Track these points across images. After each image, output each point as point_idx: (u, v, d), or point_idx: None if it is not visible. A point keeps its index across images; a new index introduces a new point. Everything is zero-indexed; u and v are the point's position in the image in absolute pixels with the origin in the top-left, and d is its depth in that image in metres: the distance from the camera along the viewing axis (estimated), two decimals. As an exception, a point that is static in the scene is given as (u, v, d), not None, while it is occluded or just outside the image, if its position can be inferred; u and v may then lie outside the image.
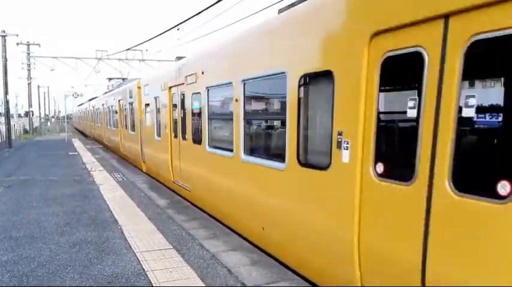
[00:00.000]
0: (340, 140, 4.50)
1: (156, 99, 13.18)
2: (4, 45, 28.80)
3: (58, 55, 35.37)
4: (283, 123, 5.79)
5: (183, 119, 10.47)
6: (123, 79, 29.58)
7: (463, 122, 3.27)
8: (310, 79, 5.22)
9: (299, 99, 5.36)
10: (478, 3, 3.02)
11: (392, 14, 3.77)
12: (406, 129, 3.83)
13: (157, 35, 19.76)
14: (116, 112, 21.36)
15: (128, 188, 11.67)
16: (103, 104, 27.53)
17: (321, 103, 5.11)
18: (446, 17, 3.32)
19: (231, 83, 7.38)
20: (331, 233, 4.66)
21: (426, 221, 3.47)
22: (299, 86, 5.32)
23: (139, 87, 15.70)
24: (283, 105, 5.74)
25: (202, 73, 8.90)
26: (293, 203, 5.48)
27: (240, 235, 7.24)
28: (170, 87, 11.49)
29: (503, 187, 2.89)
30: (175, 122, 11.23)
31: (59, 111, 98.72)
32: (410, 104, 3.74)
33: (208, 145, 8.78)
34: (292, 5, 5.84)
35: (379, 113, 4.06)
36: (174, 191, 11.51)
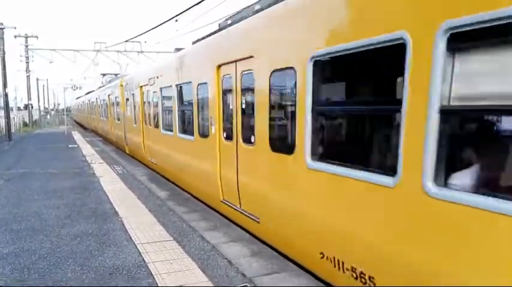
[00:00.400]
0: (211, 121, 8.09)
1: (133, 95, 16.47)
2: (2, 38, 28.67)
3: (57, 48, 35.15)
4: (193, 112, 9.24)
5: (148, 110, 14.03)
6: (116, 75, 32.03)
7: (243, 112, 6.81)
8: (201, 86, 8.69)
9: (197, 98, 8.97)
10: (241, 58, 6.63)
11: (223, 58, 7.47)
12: (230, 116, 7.28)
13: (156, 27, 19.68)
14: (107, 105, 24.67)
15: (128, 180, 11.69)
16: (96, 98, 30.85)
17: (205, 100, 8.50)
18: (235, 61, 6.94)
19: (171, 85, 10.90)
20: (211, 171, 8.14)
21: (236, 157, 7.03)
22: (197, 90, 8.93)
23: (121, 85, 18.87)
24: (192, 101, 9.25)
25: (157, 77, 12.46)
26: (196, 159, 9.18)
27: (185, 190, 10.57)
28: (141, 86, 14.79)
29: (252, 139, 6.37)
30: (144, 112, 14.72)
31: (59, 104, 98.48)
32: (230, 102, 7.31)
33: (162, 128, 12.26)
34: (199, 40, 9.50)
35: (222, 106, 7.70)
36: (148, 166, 14.59)
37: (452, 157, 3.38)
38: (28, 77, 40.91)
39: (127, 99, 17.84)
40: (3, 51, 28.53)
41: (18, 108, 60.26)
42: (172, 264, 5.52)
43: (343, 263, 4.43)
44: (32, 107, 47.48)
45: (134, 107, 16.22)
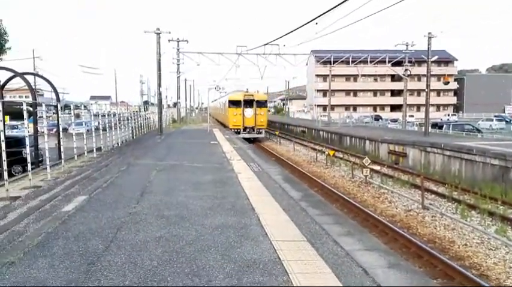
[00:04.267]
0: (225, 114, 43.69)
1: (220, 104, 50.72)
2: (158, 43, 32.05)
3: (203, 51, 38.15)
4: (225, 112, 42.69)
5: (224, 109, 45.27)
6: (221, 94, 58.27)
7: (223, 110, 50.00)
8: (225, 105, 43.27)
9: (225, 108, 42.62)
10: (225, 101, 45.88)
11: (225, 100, 45.06)
12: (224, 110, 45.57)
13: (294, 30, 20.15)
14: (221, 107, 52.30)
15: (263, 178, 12.13)
16: (218, 103, 57.23)
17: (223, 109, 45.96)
18: (226, 101, 45.80)
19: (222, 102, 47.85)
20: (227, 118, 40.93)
21: (223, 117, 48.23)
22: (225, 105, 41.94)
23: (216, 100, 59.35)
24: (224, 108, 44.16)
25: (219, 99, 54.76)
26: (222, 117, 47.80)
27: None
28: (213, 101, 60.10)
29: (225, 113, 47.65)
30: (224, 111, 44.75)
31: (202, 103, 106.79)
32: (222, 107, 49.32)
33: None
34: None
35: (228, 108, 40.77)
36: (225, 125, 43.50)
37: None
38: (178, 78, 45.12)
39: (223, 104, 48.20)
40: (160, 54, 31.87)
41: (168, 106, 66.83)
42: (306, 265, 5.56)
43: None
44: (180, 105, 52.32)
45: (224, 109, 44.78)
